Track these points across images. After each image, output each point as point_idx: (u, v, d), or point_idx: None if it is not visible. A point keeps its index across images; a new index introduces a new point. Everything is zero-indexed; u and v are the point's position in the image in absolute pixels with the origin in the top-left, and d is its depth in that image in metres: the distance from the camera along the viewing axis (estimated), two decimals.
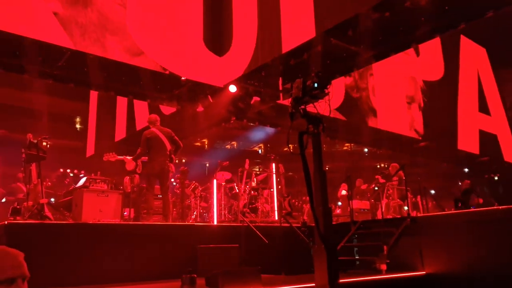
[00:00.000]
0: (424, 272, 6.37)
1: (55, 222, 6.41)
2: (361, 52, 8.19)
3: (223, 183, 9.85)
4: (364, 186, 11.93)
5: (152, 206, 7.75)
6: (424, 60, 14.29)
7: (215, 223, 8.54)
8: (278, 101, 10.05)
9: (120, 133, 13.05)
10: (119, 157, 7.57)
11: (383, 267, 6.15)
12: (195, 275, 4.38)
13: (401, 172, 9.60)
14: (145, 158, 7.69)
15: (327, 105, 3.66)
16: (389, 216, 9.44)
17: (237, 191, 9.30)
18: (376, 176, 11.31)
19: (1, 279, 1.62)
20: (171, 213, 8.08)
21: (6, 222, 5.20)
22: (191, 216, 9.83)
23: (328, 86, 3.64)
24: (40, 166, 6.75)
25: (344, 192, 11.71)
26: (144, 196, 7.92)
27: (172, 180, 11.92)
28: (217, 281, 4.53)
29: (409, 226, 6.69)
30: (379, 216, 9.41)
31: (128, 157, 7.63)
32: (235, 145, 32.16)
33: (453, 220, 6.49)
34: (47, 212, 6.42)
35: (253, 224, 7.32)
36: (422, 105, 14.20)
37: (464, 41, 15.66)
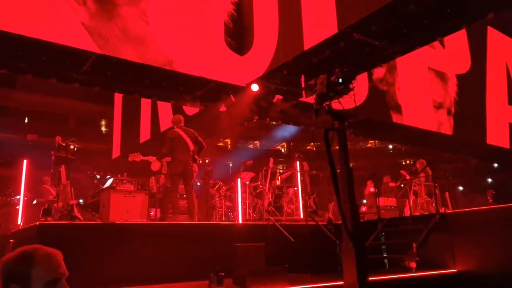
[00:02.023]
0: (456, 270, 6.21)
1: (85, 222, 6.55)
2: (385, 47, 8.03)
3: (247, 182, 9.86)
4: (392, 184, 11.73)
5: (177, 205, 7.82)
6: (450, 52, 13.89)
7: (240, 222, 8.54)
8: (301, 99, 9.99)
9: (145, 134, 13.23)
10: (143, 157, 7.68)
11: (413, 265, 6.04)
12: (223, 274, 4.39)
13: (428, 169, 9.41)
14: (168, 159, 7.77)
15: (352, 101, 3.61)
16: (417, 213, 9.25)
17: (262, 190, 9.28)
18: (402, 172, 11.10)
19: (46, 281, 1.60)
20: (196, 213, 8.14)
21: (38, 223, 5.35)
22: (216, 216, 9.87)
23: (352, 81, 3.58)
24: (69, 168, 6.91)
25: (371, 190, 11.54)
26: (169, 196, 8.01)
27: (196, 180, 12.03)
28: (244, 280, 4.53)
29: (438, 223, 6.54)
30: (406, 214, 9.23)
31: (153, 157, 7.72)
32: (257, 145, 32.24)
33: (485, 216, 6.30)
34: (77, 212, 6.56)
35: (279, 223, 7.29)
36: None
37: (492, 32, 15.18)
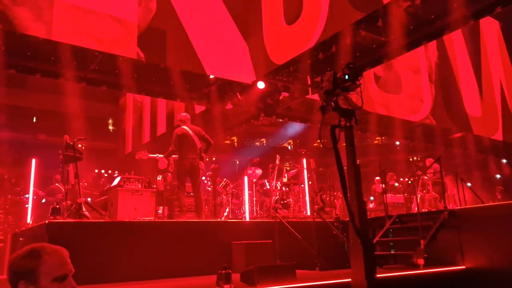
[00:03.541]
0: (464, 267, 6.17)
1: (93, 220, 6.59)
2: (392, 43, 7.98)
3: (254, 180, 9.86)
4: (393, 182, 11.64)
5: (185, 203, 7.84)
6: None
7: (248, 219, 8.55)
8: (307, 96, 9.96)
9: (153, 133, 13.33)
10: (150, 155, 7.70)
11: (421, 261, 5.99)
12: (230, 271, 4.39)
13: (436, 165, 9.32)
14: (176, 157, 7.79)
15: (359, 97, 3.59)
16: (425, 210, 9.19)
17: (268, 187, 9.28)
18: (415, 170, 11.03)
19: (53, 277, 1.64)
20: (203, 210, 8.16)
21: (46, 221, 5.39)
22: (223, 213, 9.89)
23: (359, 78, 3.55)
24: (77, 166, 6.94)
25: (382, 186, 11.48)
26: (176, 194, 8.03)
27: (203, 178, 12.06)
28: (252, 277, 4.53)
29: (447, 219, 6.48)
30: (414, 210, 9.17)
31: (160, 155, 7.75)
32: (264, 142, 32.19)
33: (494, 212, 6.25)
34: (85, 211, 6.60)
35: (286, 220, 7.28)
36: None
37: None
